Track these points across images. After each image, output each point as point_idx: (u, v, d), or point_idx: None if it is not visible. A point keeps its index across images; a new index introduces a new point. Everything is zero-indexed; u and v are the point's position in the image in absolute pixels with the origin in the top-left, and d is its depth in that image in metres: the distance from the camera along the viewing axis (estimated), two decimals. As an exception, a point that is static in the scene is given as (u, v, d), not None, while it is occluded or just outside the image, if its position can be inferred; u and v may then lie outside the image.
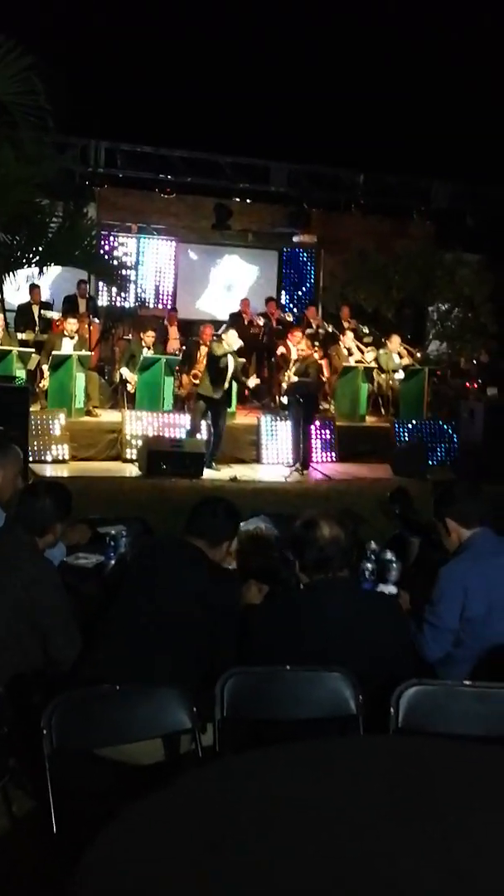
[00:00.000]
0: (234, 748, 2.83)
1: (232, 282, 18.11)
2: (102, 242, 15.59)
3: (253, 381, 13.16)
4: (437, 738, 2.75)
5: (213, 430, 11.85)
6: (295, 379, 12.70)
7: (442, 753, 2.52)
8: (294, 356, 13.27)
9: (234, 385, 12.83)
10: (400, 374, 14.40)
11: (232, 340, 11.72)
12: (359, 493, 10.38)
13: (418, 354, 15.19)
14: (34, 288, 13.79)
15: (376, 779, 2.37)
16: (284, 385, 13.04)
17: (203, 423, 11.97)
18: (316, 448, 12.63)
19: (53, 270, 12.03)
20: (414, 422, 13.48)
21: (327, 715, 2.91)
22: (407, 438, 13.09)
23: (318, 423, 12.74)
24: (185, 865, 1.96)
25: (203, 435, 11.94)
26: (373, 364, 14.35)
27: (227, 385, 11.75)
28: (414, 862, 1.96)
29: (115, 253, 16.27)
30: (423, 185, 17.63)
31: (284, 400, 13.03)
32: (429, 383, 14.34)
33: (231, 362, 11.62)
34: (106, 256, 8.56)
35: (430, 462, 12.49)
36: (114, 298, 14.76)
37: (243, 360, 12.67)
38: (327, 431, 12.95)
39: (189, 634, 3.28)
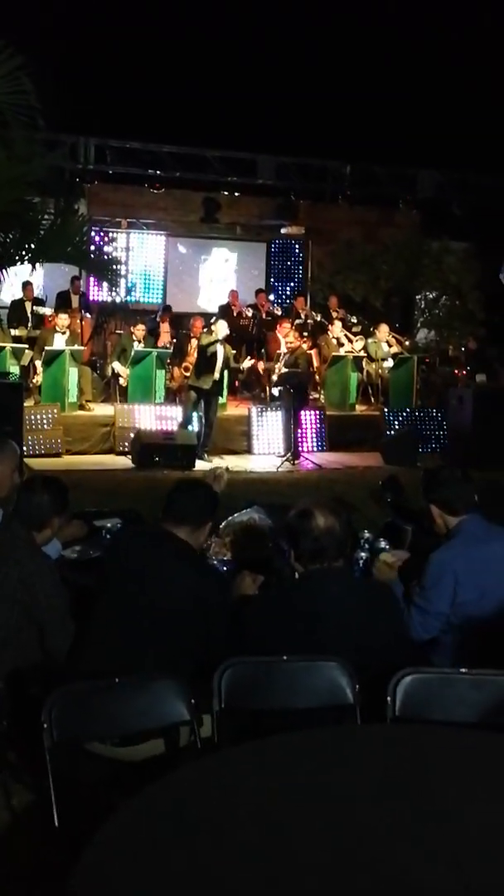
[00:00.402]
0: (232, 739, 2.86)
1: (221, 274, 18.12)
2: (93, 238, 15.58)
3: (246, 363, 13.21)
4: (433, 726, 2.78)
5: (203, 420, 11.88)
6: (285, 370, 12.73)
7: (439, 741, 2.55)
8: (283, 348, 13.32)
9: (226, 376, 12.87)
10: (389, 363, 14.43)
11: (220, 329, 11.76)
12: (350, 482, 10.42)
13: (407, 343, 15.23)
14: (27, 284, 13.80)
15: (374, 767, 2.40)
16: (274, 376, 13.08)
17: (195, 415, 12.00)
18: (306, 438, 12.67)
19: (44, 266, 12.03)
20: (404, 410, 13.51)
21: (324, 704, 2.93)
22: (397, 427, 13.13)
23: (308, 412, 12.78)
24: (185, 857, 1.99)
25: (195, 426, 11.97)
26: (362, 353, 14.39)
27: (217, 375, 11.77)
28: (412, 850, 1.99)
29: (106, 248, 16.26)
30: (410, 174, 17.65)
31: (275, 391, 13.07)
32: (418, 371, 14.39)
33: (220, 351, 11.65)
34: (97, 252, 8.60)
35: (421, 450, 12.53)
36: (106, 294, 14.77)
37: (234, 351, 12.70)
38: (317, 421, 12.98)
39: (178, 628, 3.29)
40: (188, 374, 13.31)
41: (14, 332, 13.34)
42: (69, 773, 2.81)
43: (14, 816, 3.41)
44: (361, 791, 2.27)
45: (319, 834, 2.07)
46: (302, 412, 12.42)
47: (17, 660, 3.58)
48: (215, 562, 4.41)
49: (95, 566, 4.22)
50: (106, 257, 8.90)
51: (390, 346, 14.63)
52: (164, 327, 14.95)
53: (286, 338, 13.49)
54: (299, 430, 12.35)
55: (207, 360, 11.59)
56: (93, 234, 14.05)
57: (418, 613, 3.70)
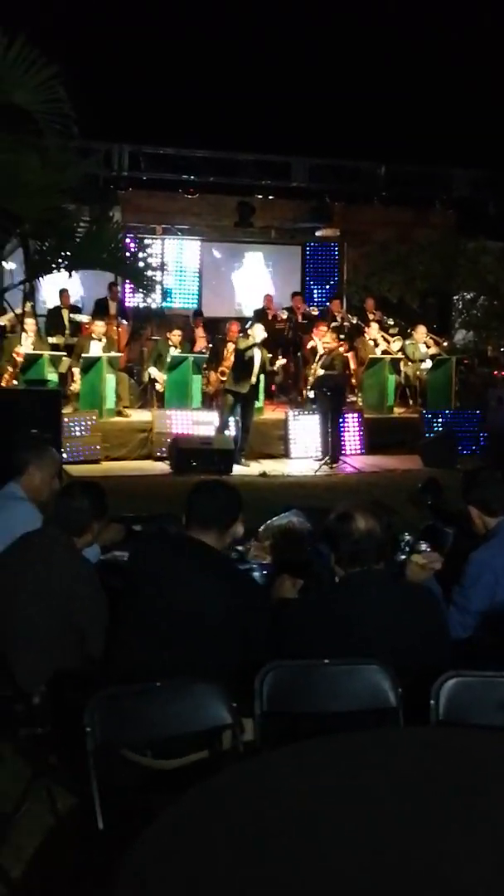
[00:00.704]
0: (273, 743, 2.85)
1: (256, 278, 18.13)
2: (128, 244, 15.69)
3: (280, 363, 13.19)
4: (478, 730, 2.75)
5: (240, 424, 11.88)
6: (321, 372, 12.70)
7: (483, 745, 2.52)
8: (320, 350, 13.29)
9: (262, 380, 12.87)
10: (427, 364, 14.34)
11: (257, 333, 11.76)
12: (389, 485, 10.36)
13: (445, 344, 15.13)
14: (63, 292, 13.91)
15: (418, 771, 2.38)
16: (311, 379, 13.05)
17: (231, 419, 12.01)
18: (345, 441, 12.61)
19: (80, 274, 12.11)
20: (443, 412, 13.41)
21: (366, 708, 2.90)
22: (436, 429, 13.03)
23: (346, 415, 12.73)
24: (229, 860, 1.98)
25: (231, 430, 11.98)
26: (399, 355, 14.31)
27: (254, 379, 11.77)
28: (458, 855, 1.97)
29: (141, 254, 16.34)
30: (444, 173, 17.56)
31: (311, 394, 13.03)
32: (456, 372, 14.27)
33: (258, 355, 11.65)
34: (132, 258, 8.66)
35: (461, 451, 12.42)
36: (142, 300, 14.87)
37: (270, 355, 12.70)
38: (355, 424, 12.93)
39: (210, 637, 3.24)
40: (224, 378, 13.33)
41: (51, 339, 13.47)
42: (111, 777, 2.81)
43: (58, 820, 3.42)
44: (406, 795, 2.24)
45: (364, 839, 2.05)
46: (339, 415, 12.37)
47: (59, 664, 3.60)
48: (254, 565, 4.40)
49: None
50: (141, 263, 8.94)
51: (428, 347, 14.53)
52: (199, 332, 15.00)
53: (322, 340, 13.45)
54: (337, 433, 12.30)
55: (245, 364, 11.60)
56: (128, 240, 14.12)
57: (457, 612, 3.71)
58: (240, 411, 11.85)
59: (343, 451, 12.33)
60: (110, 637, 3.58)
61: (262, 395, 13.26)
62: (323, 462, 11.81)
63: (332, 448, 11.95)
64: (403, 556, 4.26)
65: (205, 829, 2.10)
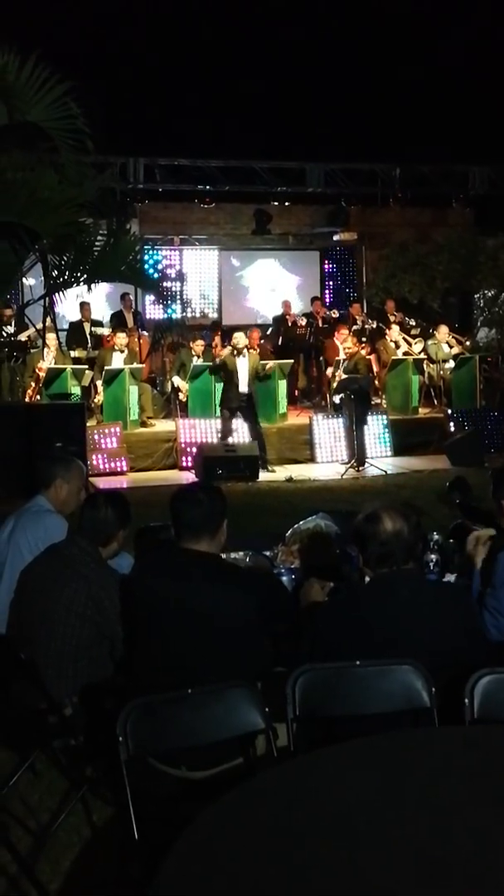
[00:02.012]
0: (308, 747, 2.83)
1: (275, 285, 18.16)
2: (146, 256, 15.79)
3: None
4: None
5: (251, 434, 11.84)
6: (345, 376, 12.68)
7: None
8: (342, 354, 13.27)
9: (283, 385, 12.88)
10: (450, 364, 14.28)
11: (239, 340, 11.74)
12: (417, 486, 10.32)
13: (467, 342, 15.06)
14: (84, 305, 13.99)
15: (454, 770, 2.36)
16: (335, 383, 13.03)
17: (243, 428, 11.96)
18: (370, 443, 12.57)
19: (102, 288, 12.18)
20: (468, 410, 13.34)
21: (400, 709, 2.88)
22: (462, 428, 12.96)
23: (371, 417, 12.69)
24: (266, 865, 1.97)
25: (244, 439, 11.96)
26: (422, 355, 14.27)
27: (245, 388, 11.69)
28: (498, 855, 1.95)
29: (160, 265, 16.44)
30: (460, 172, 17.49)
31: (336, 398, 13.00)
32: (480, 371, 14.20)
33: (243, 362, 11.60)
34: (151, 270, 8.69)
35: (488, 449, 12.34)
36: (162, 310, 14.94)
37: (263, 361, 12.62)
38: (381, 426, 12.88)
39: (228, 644, 3.22)
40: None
41: (73, 353, 13.56)
42: (146, 786, 2.81)
43: (95, 831, 3.42)
44: (442, 795, 2.22)
45: (400, 840, 2.03)
46: (364, 418, 12.33)
47: (90, 675, 3.61)
48: (282, 570, 4.39)
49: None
50: (159, 275, 8.99)
51: (451, 346, 14.47)
52: (218, 341, 15.03)
53: (344, 343, 13.44)
54: (363, 436, 12.26)
55: (229, 374, 11.57)
56: (146, 252, 14.21)
57: (490, 615, 3.63)
58: (245, 421, 11.83)
59: (369, 454, 12.27)
60: (128, 651, 3.57)
61: (284, 401, 13.25)
62: (349, 465, 11.78)
63: (358, 451, 11.92)
64: (434, 556, 4.24)
65: (241, 834, 2.09)
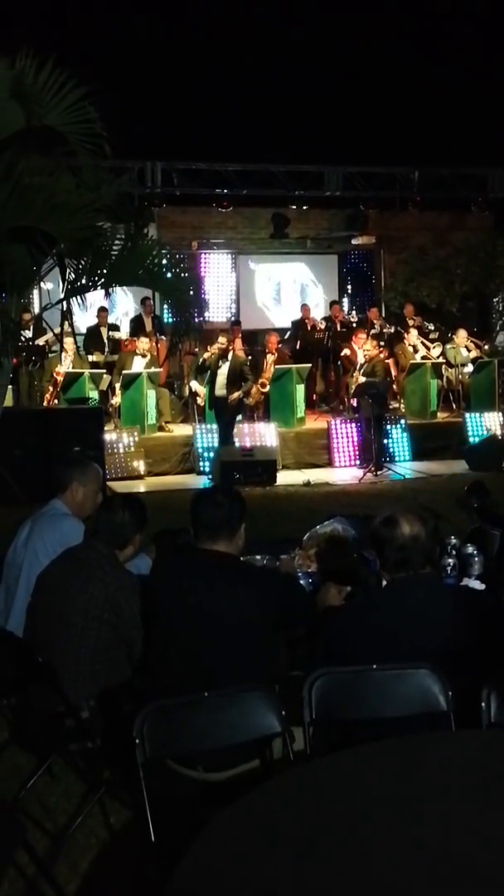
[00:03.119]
0: (324, 751, 2.83)
1: (293, 289, 18.16)
2: (164, 260, 15.81)
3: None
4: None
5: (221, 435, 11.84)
6: (363, 380, 12.66)
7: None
8: (360, 358, 13.26)
9: (301, 389, 12.86)
10: (469, 368, 14.23)
11: (220, 343, 11.68)
12: (435, 491, 10.28)
13: (486, 346, 15.01)
14: (102, 310, 14.03)
15: (471, 774, 2.35)
16: (352, 387, 13.02)
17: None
18: (389, 447, 12.54)
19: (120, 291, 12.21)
20: (487, 415, 13.28)
21: (417, 712, 2.87)
22: (480, 432, 12.91)
23: (389, 422, 12.66)
24: (282, 868, 1.96)
25: (236, 443, 11.96)
26: (440, 360, 14.22)
27: (223, 390, 11.63)
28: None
29: (177, 269, 16.44)
30: (479, 175, 17.42)
31: (353, 402, 12.98)
32: (498, 375, 14.13)
33: (226, 363, 11.54)
34: (169, 274, 8.72)
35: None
36: (181, 315, 14.98)
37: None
38: (399, 430, 12.85)
39: (245, 645, 3.22)
40: (265, 389, 13.34)
41: (91, 357, 13.60)
42: (163, 789, 2.81)
43: (112, 833, 3.43)
44: (459, 798, 2.21)
45: (418, 844, 2.02)
46: (382, 421, 12.29)
47: (108, 678, 3.61)
48: (300, 574, 4.38)
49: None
50: (178, 279, 9.01)
51: (469, 350, 14.43)
52: (238, 344, 15.02)
53: (362, 348, 13.42)
54: (381, 440, 12.23)
55: (212, 377, 11.53)
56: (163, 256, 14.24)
57: None
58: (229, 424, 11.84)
59: (386, 458, 12.25)
60: (146, 654, 3.58)
61: (302, 405, 13.23)
62: (367, 470, 11.75)
63: (376, 455, 11.89)
64: (451, 560, 4.23)
65: (257, 837, 2.09)
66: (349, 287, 18.64)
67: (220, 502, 3.42)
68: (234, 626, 3.23)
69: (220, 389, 11.67)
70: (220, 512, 3.40)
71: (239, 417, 12.78)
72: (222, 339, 11.78)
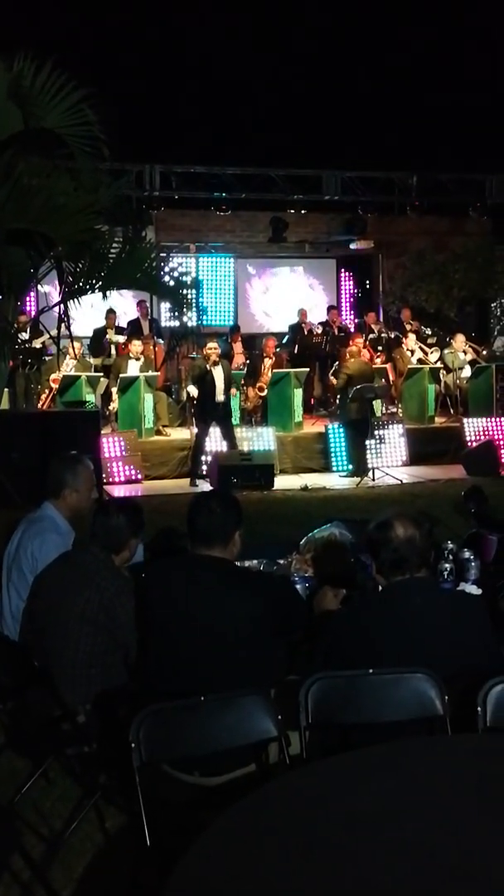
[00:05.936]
0: (320, 754, 2.82)
1: (291, 293, 18.17)
2: (162, 263, 15.83)
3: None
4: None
5: (228, 445, 11.76)
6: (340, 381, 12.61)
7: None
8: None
9: (299, 393, 12.85)
10: (467, 373, 14.24)
11: (211, 350, 11.61)
12: (432, 496, 10.28)
13: (484, 351, 15.01)
14: (110, 313, 13.99)
15: (467, 779, 2.34)
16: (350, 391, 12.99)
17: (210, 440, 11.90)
18: (386, 452, 12.49)
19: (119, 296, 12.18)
20: (484, 420, 13.28)
21: (413, 717, 2.86)
22: (478, 437, 12.90)
23: (387, 426, 12.60)
24: (278, 872, 1.96)
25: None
26: (438, 364, 14.23)
27: (221, 397, 11.58)
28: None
29: (175, 273, 16.47)
30: (478, 180, 17.45)
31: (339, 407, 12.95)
32: (496, 380, 14.14)
33: (220, 372, 11.51)
34: (167, 277, 8.68)
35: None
36: (178, 318, 14.98)
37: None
38: (396, 434, 12.82)
39: (241, 652, 3.21)
40: (263, 394, 13.34)
41: (94, 361, 13.59)
42: (159, 793, 2.80)
43: (108, 838, 3.42)
44: (455, 803, 2.21)
45: (412, 848, 2.01)
46: (365, 425, 12.18)
47: (104, 683, 3.60)
48: (297, 578, 4.38)
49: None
50: (175, 282, 9.01)
51: (467, 355, 14.43)
52: (237, 348, 15.02)
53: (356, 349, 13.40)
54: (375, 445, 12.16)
55: (207, 386, 11.47)
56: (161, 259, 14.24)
57: None
58: (220, 433, 11.76)
59: (384, 463, 12.15)
60: (142, 658, 3.56)
61: (300, 409, 13.22)
62: (364, 475, 11.71)
63: (360, 462, 11.82)
64: (448, 565, 4.22)
65: (253, 841, 2.08)
66: (347, 292, 18.65)
67: (214, 509, 3.41)
68: (229, 631, 3.22)
69: (219, 396, 11.63)
70: (215, 519, 3.39)
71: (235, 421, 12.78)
72: (212, 345, 11.70)
